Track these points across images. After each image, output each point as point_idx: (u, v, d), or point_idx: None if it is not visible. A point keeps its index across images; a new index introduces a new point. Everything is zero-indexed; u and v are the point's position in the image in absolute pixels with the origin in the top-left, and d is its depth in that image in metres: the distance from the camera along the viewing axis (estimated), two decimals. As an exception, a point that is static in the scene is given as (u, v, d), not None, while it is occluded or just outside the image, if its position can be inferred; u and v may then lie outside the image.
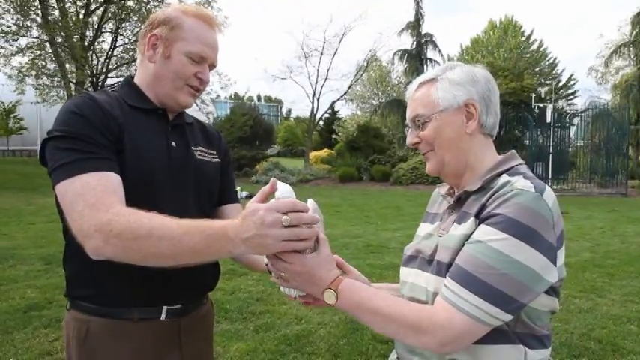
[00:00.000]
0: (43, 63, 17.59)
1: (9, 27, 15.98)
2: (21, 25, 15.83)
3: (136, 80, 1.32)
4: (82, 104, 1.16)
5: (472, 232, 0.98)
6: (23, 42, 16.87)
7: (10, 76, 17.11)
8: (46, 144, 1.14)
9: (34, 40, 17.17)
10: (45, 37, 16.71)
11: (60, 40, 16.70)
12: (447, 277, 0.97)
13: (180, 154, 1.30)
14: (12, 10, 15.44)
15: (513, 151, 1.14)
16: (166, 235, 0.98)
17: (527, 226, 0.91)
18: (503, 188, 0.98)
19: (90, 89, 16.89)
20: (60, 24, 16.42)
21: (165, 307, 1.24)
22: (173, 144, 1.29)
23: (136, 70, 1.37)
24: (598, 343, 3.59)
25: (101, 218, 1.01)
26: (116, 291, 1.19)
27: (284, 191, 0.99)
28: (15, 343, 3.34)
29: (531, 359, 1.01)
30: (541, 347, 1.04)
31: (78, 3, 18.07)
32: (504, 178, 1.02)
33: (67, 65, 17.49)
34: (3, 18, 15.75)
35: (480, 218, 0.98)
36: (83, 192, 1.05)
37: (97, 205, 1.03)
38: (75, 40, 16.59)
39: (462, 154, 1.10)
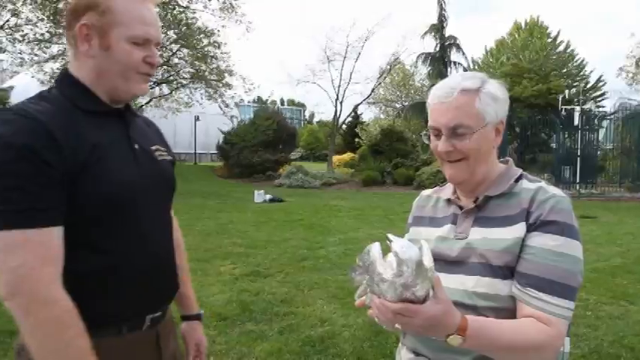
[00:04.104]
0: (73, 69, 18.13)
1: (42, 35, 16.52)
2: (53, 32, 16.32)
3: (78, 77, 1.14)
4: (19, 131, 0.99)
5: (524, 236, 1.08)
6: (55, 49, 17.41)
7: (42, 82, 17.66)
8: None
9: (65, 46, 17.71)
10: (75, 44, 17.22)
11: (89, 46, 17.18)
12: (530, 288, 1.04)
13: (145, 157, 1.20)
14: (45, 18, 15.94)
15: (510, 158, 1.26)
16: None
17: (574, 226, 1.09)
18: (540, 194, 1.11)
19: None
20: (89, 31, 16.88)
21: (148, 317, 1.20)
22: (136, 146, 1.18)
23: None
24: (630, 350, 3.49)
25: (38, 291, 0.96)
26: (106, 309, 1.11)
27: (403, 248, 0.89)
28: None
29: (565, 346, 1.14)
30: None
31: (107, 10, 18.54)
32: (528, 183, 1.16)
33: (96, 71, 18.00)
34: (37, 26, 16.30)
35: (530, 224, 1.08)
36: (15, 250, 0.95)
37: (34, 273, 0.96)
38: (103, 47, 17.04)
39: (487, 165, 1.18)
